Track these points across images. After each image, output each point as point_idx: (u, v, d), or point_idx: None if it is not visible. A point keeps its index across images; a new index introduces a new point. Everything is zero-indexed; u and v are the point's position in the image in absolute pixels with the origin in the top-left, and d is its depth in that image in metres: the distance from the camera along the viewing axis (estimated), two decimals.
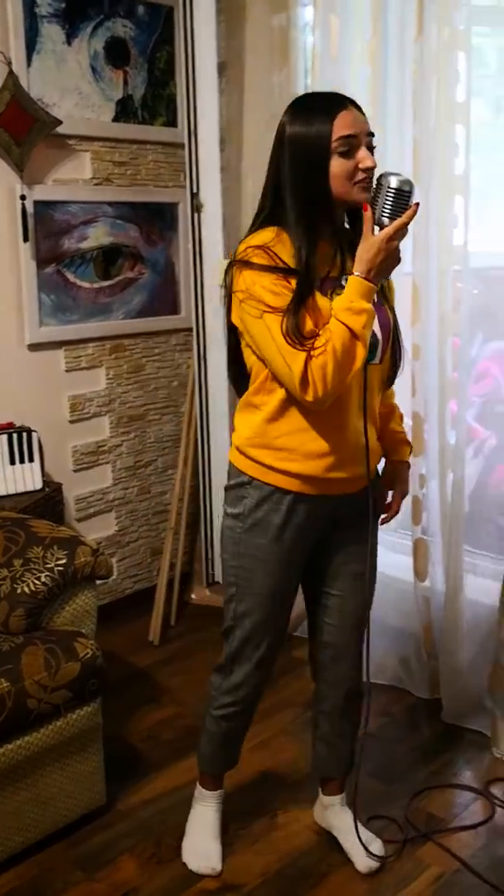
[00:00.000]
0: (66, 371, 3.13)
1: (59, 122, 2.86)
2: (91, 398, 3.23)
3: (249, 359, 1.83)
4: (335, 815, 2.21)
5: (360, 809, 2.16)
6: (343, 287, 1.73)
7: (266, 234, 1.73)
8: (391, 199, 1.64)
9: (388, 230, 1.65)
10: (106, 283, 3.20)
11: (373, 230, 1.67)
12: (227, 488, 1.94)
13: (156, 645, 3.23)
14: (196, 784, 2.22)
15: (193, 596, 3.58)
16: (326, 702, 2.12)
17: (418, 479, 2.72)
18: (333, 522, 1.94)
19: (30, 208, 2.88)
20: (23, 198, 2.84)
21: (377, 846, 2.15)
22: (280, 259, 1.70)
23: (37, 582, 2.24)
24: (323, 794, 2.24)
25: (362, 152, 1.67)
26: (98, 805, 2.31)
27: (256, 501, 1.86)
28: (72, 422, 3.18)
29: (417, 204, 1.67)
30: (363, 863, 2.11)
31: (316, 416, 1.78)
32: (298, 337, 1.66)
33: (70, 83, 2.97)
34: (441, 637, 2.73)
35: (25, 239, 2.88)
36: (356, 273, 1.68)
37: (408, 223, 1.67)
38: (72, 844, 2.23)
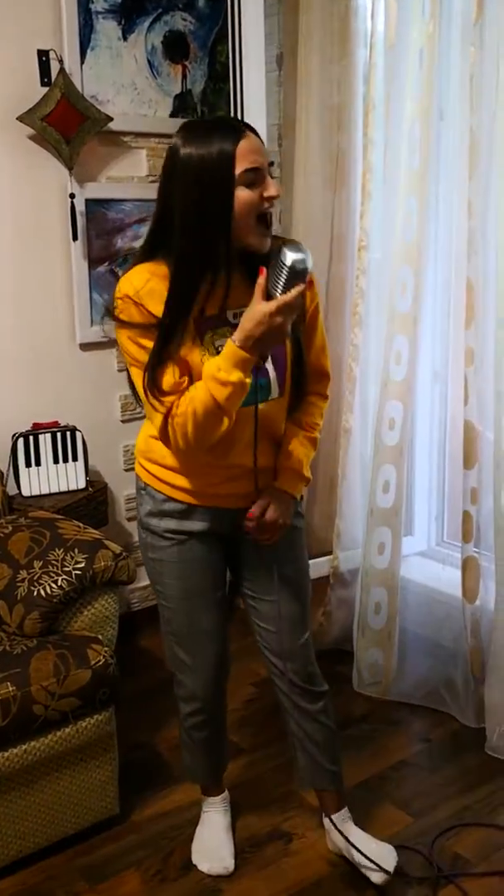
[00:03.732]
0: (118, 371, 3.11)
1: (110, 119, 2.82)
2: None
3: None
4: (341, 831, 2.08)
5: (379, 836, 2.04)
6: (221, 328, 1.67)
7: (139, 277, 1.64)
8: (284, 274, 1.57)
9: (271, 304, 1.56)
10: None
11: (264, 296, 1.58)
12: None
13: None
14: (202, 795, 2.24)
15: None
16: (289, 707, 2.04)
17: (469, 494, 2.55)
18: (240, 528, 1.87)
19: (80, 206, 2.85)
20: (72, 196, 2.82)
21: (392, 855, 2.04)
22: (146, 309, 1.62)
23: (53, 585, 2.21)
24: (325, 817, 2.13)
25: (268, 181, 1.60)
26: (110, 815, 2.27)
27: (151, 508, 1.88)
28: (123, 421, 3.16)
29: (306, 285, 1.59)
30: (377, 874, 2.00)
31: None
32: (157, 394, 1.62)
33: (125, 79, 2.92)
34: (490, 661, 2.55)
35: (74, 237, 2.87)
36: (233, 339, 1.60)
37: (292, 302, 1.56)
38: (79, 853, 2.19)
